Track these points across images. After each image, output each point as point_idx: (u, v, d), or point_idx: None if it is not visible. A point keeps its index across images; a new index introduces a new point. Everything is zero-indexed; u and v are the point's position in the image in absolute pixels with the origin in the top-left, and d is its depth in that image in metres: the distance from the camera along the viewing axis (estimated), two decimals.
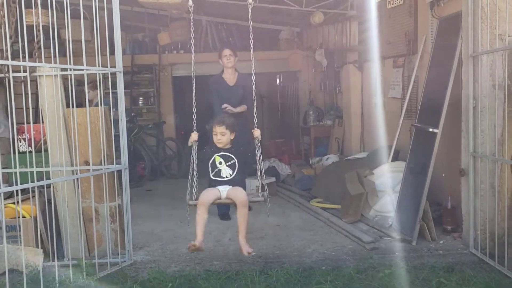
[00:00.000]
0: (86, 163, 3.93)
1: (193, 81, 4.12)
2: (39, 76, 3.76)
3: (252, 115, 4.29)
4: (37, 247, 3.94)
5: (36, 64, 3.47)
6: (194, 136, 4.00)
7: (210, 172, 3.99)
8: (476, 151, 3.91)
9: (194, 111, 4.03)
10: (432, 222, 4.34)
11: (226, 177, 3.96)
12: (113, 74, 3.99)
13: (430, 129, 4.31)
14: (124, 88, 9.44)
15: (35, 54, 3.80)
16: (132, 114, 8.89)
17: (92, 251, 4.07)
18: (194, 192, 3.91)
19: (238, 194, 3.82)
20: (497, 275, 3.43)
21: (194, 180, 3.91)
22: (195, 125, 4.04)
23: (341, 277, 3.47)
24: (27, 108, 3.67)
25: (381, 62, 6.39)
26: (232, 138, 4.03)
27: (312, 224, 5.15)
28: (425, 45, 5.21)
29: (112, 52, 3.80)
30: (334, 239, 4.59)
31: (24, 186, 3.43)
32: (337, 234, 4.76)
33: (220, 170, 3.97)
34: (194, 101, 4.05)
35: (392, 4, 5.99)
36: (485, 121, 3.78)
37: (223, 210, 5.49)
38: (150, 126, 9.08)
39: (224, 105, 5.36)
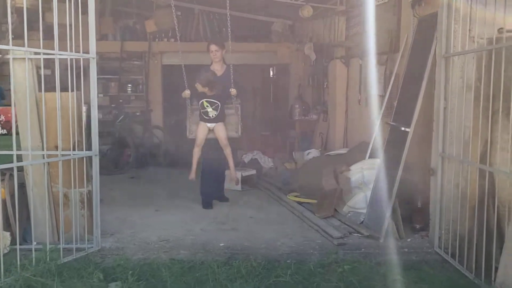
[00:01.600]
0: (57, 148, 3.94)
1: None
2: (12, 59, 3.75)
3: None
4: (5, 230, 3.95)
5: (5, 47, 3.45)
6: (186, 93, 5.46)
7: (200, 109, 5.46)
8: (445, 152, 3.93)
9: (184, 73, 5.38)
10: (401, 220, 4.37)
11: (212, 116, 5.42)
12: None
13: (402, 128, 4.33)
14: (113, 75, 9.51)
15: (7, 37, 3.78)
16: (120, 100, 8.91)
17: (62, 237, 4.09)
18: (191, 128, 5.54)
19: (220, 133, 5.43)
20: (455, 274, 3.48)
21: (190, 120, 5.55)
22: (186, 83, 5.45)
23: (302, 271, 3.51)
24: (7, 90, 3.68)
25: (366, 59, 6.39)
26: (206, 90, 5.34)
27: (285, 218, 5.18)
28: (407, 43, 5.21)
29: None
30: (305, 234, 4.63)
31: None
32: (309, 228, 4.79)
33: (207, 111, 5.40)
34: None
35: (379, 1, 5.98)
36: (454, 122, 3.80)
37: (207, 198, 5.55)
38: (137, 114, 9.09)
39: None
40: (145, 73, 9.26)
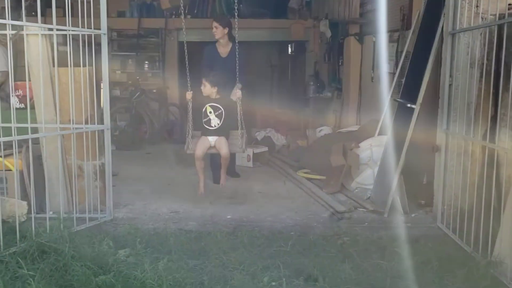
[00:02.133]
0: (73, 121, 4.10)
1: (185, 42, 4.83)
2: (26, 34, 3.89)
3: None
4: (23, 199, 4.16)
5: (18, 22, 3.59)
6: (188, 95, 4.72)
7: (203, 118, 4.77)
8: (449, 128, 3.95)
9: (188, 73, 4.71)
10: (405, 196, 4.43)
11: (215, 126, 4.75)
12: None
13: (408, 105, 4.35)
14: (130, 51, 9.66)
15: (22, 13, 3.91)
16: (137, 77, 9.06)
17: (77, 207, 4.28)
18: (190, 143, 4.73)
19: (222, 147, 4.66)
20: (453, 248, 3.54)
21: (190, 133, 4.73)
22: (189, 85, 4.75)
23: (303, 242, 3.62)
24: (22, 66, 3.83)
25: (379, 36, 6.36)
26: (214, 91, 4.78)
27: (293, 194, 5.28)
28: (418, 20, 5.17)
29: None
30: (311, 208, 4.73)
31: (7, 139, 3.63)
32: (315, 203, 4.89)
33: (209, 119, 4.75)
34: (186, 59, 4.69)
35: None
36: (458, 99, 3.81)
37: (218, 172, 5.65)
38: (154, 91, 9.23)
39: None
40: (161, 50, 9.37)
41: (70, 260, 3.16)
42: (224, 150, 4.65)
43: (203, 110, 4.76)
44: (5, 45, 3.93)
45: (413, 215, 4.42)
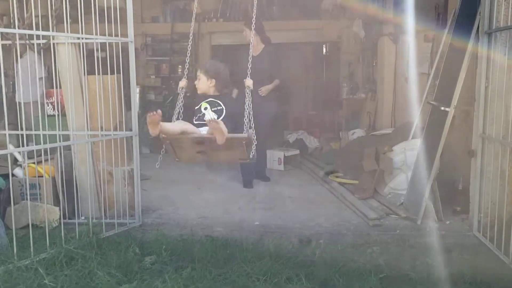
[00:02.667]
0: (100, 128, 4.16)
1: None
2: (57, 44, 3.98)
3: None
4: (55, 205, 4.26)
5: (46, 33, 3.66)
6: (182, 83, 3.87)
7: (194, 117, 3.64)
8: (485, 132, 3.76)
9: (187, 60, 4.05)
10: (440, 202, 4.25)
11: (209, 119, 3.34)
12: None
13: (442, 108, 4.17)
14: (163, 56, 9.75)
15: (53, 22, 4.00)
16: (170, 81, 9.15)
17: (107, 212, 4.35)
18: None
19: (218, 132, 3.13)
20: (490, 258, 3.36)
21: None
22: (186, 72, 3.97)
23: (331, 251, 3.53)
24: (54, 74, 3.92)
25: (415, 35, 6.16)
26: (211, 85, 3.75)
27: (324, 199, 5.18)
28: (453, 19, 4.97)
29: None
30: (341, 214, 4.62)
31: (39, 147, 3.72)
32: (346, 209, 4.77)
33: (204, 114, 3.61)
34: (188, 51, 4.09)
35: None
36: (495, 101, 3.61)
37: (248, 177, 5.64)
38: (187, 94, 9.28)
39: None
40: (194, 54, 9.42)
41: (96, 267, 3.20)
42: (219, 135, 3.13)
43: (196, 107, 3.71)
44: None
45: (447, 222, 4.24)
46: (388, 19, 7.00)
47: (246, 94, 3.47)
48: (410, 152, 5.06)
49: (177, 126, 3.33)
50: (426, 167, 4.35)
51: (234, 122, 3.51)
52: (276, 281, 3.01)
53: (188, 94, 3.85)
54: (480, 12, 3.86)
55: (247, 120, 3.35)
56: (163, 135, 3.25)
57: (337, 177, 5.82)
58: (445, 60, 4.59)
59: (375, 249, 3.50)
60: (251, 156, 3.38)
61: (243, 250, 3.56)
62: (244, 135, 3.27)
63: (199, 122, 3.57)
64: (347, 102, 8.23)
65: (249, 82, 3.56)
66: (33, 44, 3.74)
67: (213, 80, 3.74)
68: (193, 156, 3.51)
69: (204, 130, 3.42)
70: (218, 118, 3.50)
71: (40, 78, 5.05)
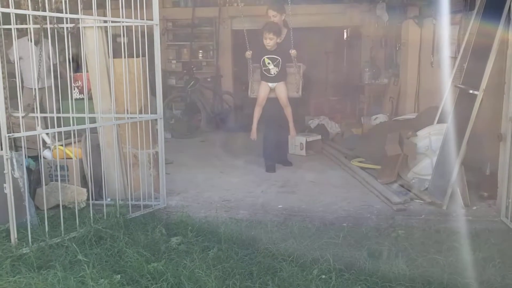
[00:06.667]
0: (126, 111, 4.20)
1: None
2: (84, 27, 4.01)
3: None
4: (83, 187, 4.33)
5: (74, 16, 3.69)
6: (248, 54, 5.41)
7: (262, 67, 5.38)
8: None
9: (246, 36, 5.43)
10: (466, 187, 4.21)
11: (274, 73, 5.36)
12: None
13: (471, 91, 4.10)
14: (184, 41, 9.78)
15: (81, 6, 4.03)
16: (192, 66, 9.16)
17: (132, 194, 4.41)
18: (252, 87, 5.53)
19: (281, 93, 5.40)
20: None
21: (252, 80, 5.51)
22: (248, 46, 5.42)
23: (355, 234, 3.53)
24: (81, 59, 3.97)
25: (440, 18, 6.04)
26: (278, 41, 5.31)
27: (347, 183, 5.16)
28: (482, 1, 4.85)
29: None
30: (364, 198, 4.60)
31: (66, 129, 3.78)
32: (369, 193, 4.75)
33: (268, 68, 5.35)
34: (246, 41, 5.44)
35: None
36: None
37: (270, 162, 5.66)
38: (208, 80, 9.31)
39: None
40: (215, 39, 9.41)
41: (125, 246, 3.26)
42: (283, 94, 5.38)
43: (261, 60, 5.34)
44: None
45: (474, 208, 4.20)
46: (414, 1, 6.88)
47: (294, 60, 5.32)
48: (435, 137, 5.00)
49: (264, 94, 5.47)
50: (453, 151, 4.29)
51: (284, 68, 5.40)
52: (301, 262, 3.03)
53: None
54: None
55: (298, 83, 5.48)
56: (255, 96, 5.55)
57: (359, 162, 5.79)
58: (473, 43, 4.49)
59: (400, 233, 3.48)
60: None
61: (268, 232, 3.59)
62: (298, 95, 5.56)
63: (267, 74, 5.40)
64: (369, 87, 8.15)
65: (293, 52, 5.25)
66: (61, 28, 3.78)
67: (280, 37, 5.34)
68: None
69: (272, 85, 5.44)
70: (278, 69, 5.35)
71: (55, 64, 5.14)
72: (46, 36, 3.73)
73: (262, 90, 5.44)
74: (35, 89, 4.16)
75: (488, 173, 4.33)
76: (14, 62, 3.58)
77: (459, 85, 4.50)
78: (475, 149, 4.35)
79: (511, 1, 3.79)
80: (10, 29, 3.70)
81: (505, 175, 3.81)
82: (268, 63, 5.33)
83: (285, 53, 5.32)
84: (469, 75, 4.42)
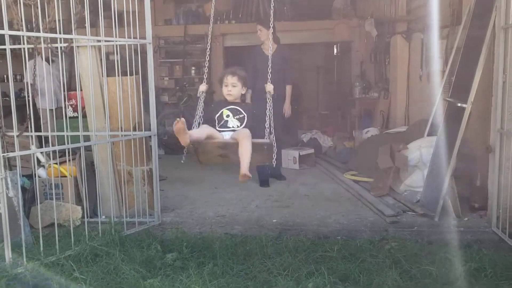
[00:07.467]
0: (120, 129, 4.23)
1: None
2: (77, 46, 4.06)
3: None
4: (77, 204, 4.34)
5: (68, 36, 3.74)
6: (202, 87, 3.87)
7: (216, 124, 3.65)
8: (503, 128, 3.77)
9: (207, 64, 4.07)
10: (457, 199, 4.26)
11: (233, 127, 3.60)
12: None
13: (459, 104, 4.19)
14: (177, 58, 9.85)
15: (74, 26, 4.08)
16: (184, 83, 9.24)
17: (127, 211, 4.42)
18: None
19: (243, 138, 3.37)
20: (509, 254, 3.36)
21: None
22: (205, 77, 3.99)
23: (349, 247, 3.55)
24: (74, 76, 4.01)
25: (428, 33, 6.16)
26: (243, 92, 3.77)
27: (340, 196, 5.21)
28: (468, 16, 4.97)
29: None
30: (358, 211, 4.64)
31: (61, 147, 3.80)
32: (362, 206, 4.80)
33: (227, 121, 3.64)
34: (208, 54, 4.15)
35: None
36: None
37: (264, 176, 5.69)
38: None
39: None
40: (207, 55, 9.48)
41: (121, 263, 3.27)
42: (245, 141, 3.33)
43: (217, 115, 3.68)
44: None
45: (466, 219, 4.25)
46: (402, 17, 7.01)
47: (267, 100, 3.55)
48: (425, 150, 5.07)
49: (203, 131, 3.45)
50: (443, 164, 4.36)
51: (253, 127, 3.60)
52: (297, 275, 3.05)
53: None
54: (496, 8, 3.87)
55: (268, 125, 3.46)
56: (189, 141, 3.28)
57: (352, 175, 5.84)
58: (461, 57, 4.60)
59: (394, 245, 3.52)
60: (272, 162, 3.53)
61: (263, 246, 3.60)
62: (266, 140, 3.42)
63: (223, 129, 3.63)
64: (360, 101, 8.26)
65: (269, 87, 3.63)
66: (56, 47, 3.83)
67: (246, 89, 3.79)
68: (214, 158, 3.66)
69: (227, 135, 3.57)
70: (240, 125, 3.63)
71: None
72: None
73: (198, 131, 3.47)
74: (50, 109, 4.19)
75: (478, 185, 4.39)
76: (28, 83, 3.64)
77: (448, 99, 4.59)
78: (465, 161, 4.42)
79: (495, 15, 3.89)
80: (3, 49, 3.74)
81: (495, 186, 3.88)
82: (227, 116, 3.66)
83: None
84: (457, 88, 4.51)
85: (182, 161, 3.69)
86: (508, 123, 3.71)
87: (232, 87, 3.72)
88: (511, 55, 3.64)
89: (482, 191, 4.34)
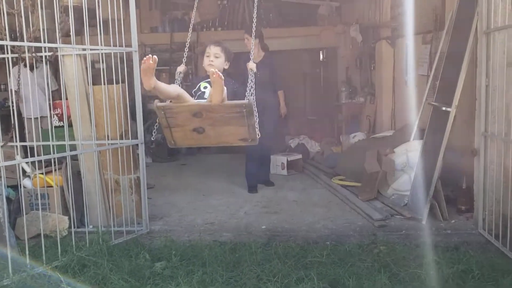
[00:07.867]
0: (108, 137, 4.21)
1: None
2: (63, 56, 4.04)
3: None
4: (64, 214, 4.29)
5: (53, 45, 3.72)
6: (180, 67, 3.68)
7: (194, 95, 3.39)
8: (487, 131, 3.82)
9: (187, 45, 3.86)
10: (444, 202, 4.31)
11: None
12: None
13: (443, 108, 4.24)
14: (163, 66, 9.83)
15: (59, 35, 4.06)
16: None
17: (114, 220, 4.38)
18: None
19: (217, 93, 2.97)
20: (497, 255, 3.41)
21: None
22: (184, 58, 3.78)
23: (338, 252, 3.57)
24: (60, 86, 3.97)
25: (412, 38, 6.24)
26: (226, 67, 3.57)
27: (329, 201, 5.22)
28: (451, 21, 5.04)
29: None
30: (346, 216, 4.66)
31: (47, 157, 3.76)
32: (351, 211, 4.82)
33: (204, 92, 3.37)
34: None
35: None
36: (496, 100, 3.68)
37: (252, 181, 5.69)
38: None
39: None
40: (194, 63, 9.49)
41: (109, 273, 3.24)
42: (219, 90, 2.94)
43: (194, 90, 3.48)
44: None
45: (452, 221, 4.29)
46: (386, 23, 7.09)
47: (250, 76, 3.31)
48: (412, 153, 5.13)
49: (173, 87, 3.09)
50: (429, 167, 4.40)
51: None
52: (286, 282, 3.05)
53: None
54: (477, 13, 3.93)
55: (249, 90, 3.14)
56: (158, 104, 3.02)
57: (340, 180, 5.87)
58: (444, 61, 4.66)
59: (382, 248, 3.54)
60: (256, 137, 3.15)
61: (252, 253, 3.59)
62: (245, 101, 3.06)
63: (198, 99, 3.31)
64: (346, 106, 8.31)
65: (252, 65, 3.41)
66: (40, 56, 3.80)
67: (228, 63, 3.53)
68: (189, 135, 3.22)
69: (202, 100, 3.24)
70: None
71: (53, 91, 5.14)
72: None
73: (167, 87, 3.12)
74: (35, 118, 4.15)
75: (464, 187, 4.44)
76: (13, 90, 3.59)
77: (433, 103, 4.65)
78: (451, 164, 4.46)
79: (477, 20, 3.96)
80: None
81: (481, 189, 3.93)
82: (205, 87, 3.46)
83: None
84: (441, 92, 4.57)
85: (152, 138, 3.50)
86: (492, 126, 3.76)
87: (215, 58, 3.51)
88: (493, 59, 3.70)
89: (468, 194, 4.40)
